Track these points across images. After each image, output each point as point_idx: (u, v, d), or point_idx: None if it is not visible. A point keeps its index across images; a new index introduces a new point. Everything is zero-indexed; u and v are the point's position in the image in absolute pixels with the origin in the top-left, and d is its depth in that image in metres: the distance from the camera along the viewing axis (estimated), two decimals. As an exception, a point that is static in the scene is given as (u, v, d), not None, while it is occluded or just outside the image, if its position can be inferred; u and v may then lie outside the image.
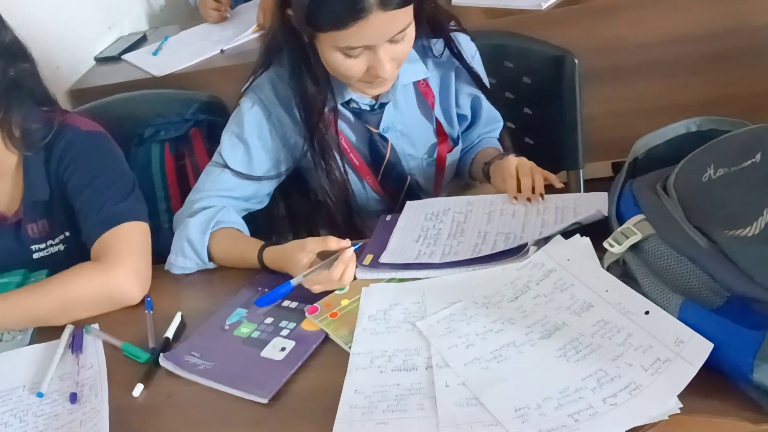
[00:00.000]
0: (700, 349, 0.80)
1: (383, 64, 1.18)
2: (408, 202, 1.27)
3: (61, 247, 1.35)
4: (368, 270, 1.11)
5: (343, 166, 1.35)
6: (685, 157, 1.04)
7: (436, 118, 1.41)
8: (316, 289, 1.08)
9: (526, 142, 1.70)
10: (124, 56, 2.30)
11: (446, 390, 0.86)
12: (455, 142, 1.45)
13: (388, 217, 1.26)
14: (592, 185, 1.74)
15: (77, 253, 1.28)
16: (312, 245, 1.10)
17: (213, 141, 1.63)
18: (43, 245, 1.34)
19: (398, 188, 1.41)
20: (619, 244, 0.94)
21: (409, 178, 1.41)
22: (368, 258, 1.13)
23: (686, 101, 1.94)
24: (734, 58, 1.89)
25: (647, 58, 1.93)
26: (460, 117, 1.45)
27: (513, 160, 1.24)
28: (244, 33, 2.23)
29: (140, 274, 1.21)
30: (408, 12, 1.16)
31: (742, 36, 1.86)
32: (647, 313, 0.87)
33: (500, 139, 1.53)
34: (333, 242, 1.09)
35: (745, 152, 0.96)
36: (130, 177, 1.33)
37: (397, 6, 1.12)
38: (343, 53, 1.17)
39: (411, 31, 1.20)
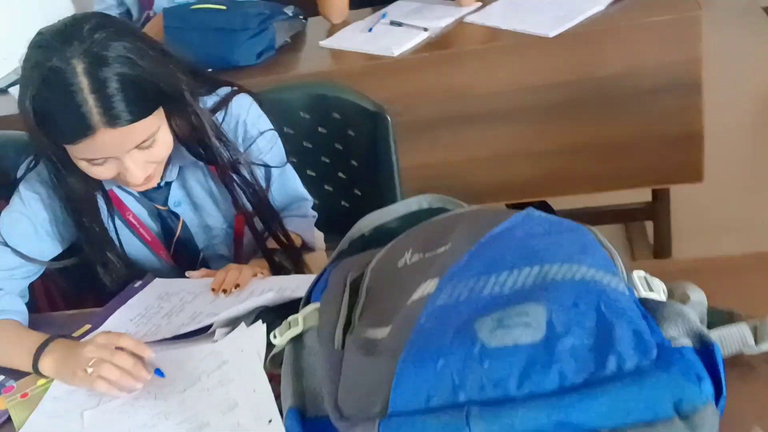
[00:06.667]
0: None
1: (132, 172, 1.12)
2: (156, 279, 1.24)
3: None
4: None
5: (120, 248, 1.29)
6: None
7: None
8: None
9: (355, 193, 1.69)
10: (12, 89, 2.31)
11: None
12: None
13: (137, 284, 1.23)
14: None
15: None
16: (102, 339, 1.03)
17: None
18: None
19: (192, 261, 1.36)
20: (280, 335, 0.92)
21: (201, 253, 1.37)
22: (83, 328, 1.11)
23: (542, 148, 1.91)
24: (585, 106, 1.85)
25: (497, 106, 1.89)
26: None
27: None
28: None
29: None
30: (150, 122, 1.10)
31: (590, 86, 1.82)
32: (270, 422, 0.86)
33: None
34: (127, 340, 1.03)
35: (442, 238, 0.92)
36: None
37: (127, 123, 1.05)
38: (87, 162, 1.12)
39: (163, 137, 1.14)
